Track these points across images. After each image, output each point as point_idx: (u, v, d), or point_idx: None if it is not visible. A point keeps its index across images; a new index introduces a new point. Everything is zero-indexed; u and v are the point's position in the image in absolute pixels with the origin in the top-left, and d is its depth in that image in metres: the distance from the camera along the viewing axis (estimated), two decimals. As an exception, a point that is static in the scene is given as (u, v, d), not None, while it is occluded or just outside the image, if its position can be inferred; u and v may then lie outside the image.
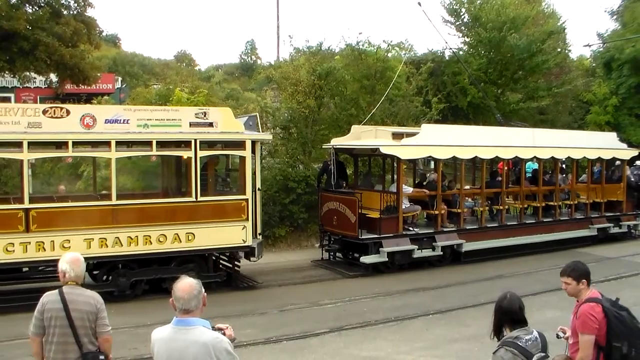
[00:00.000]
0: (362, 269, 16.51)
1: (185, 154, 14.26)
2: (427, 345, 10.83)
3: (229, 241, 14.43)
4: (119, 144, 13.41)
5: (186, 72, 39.07)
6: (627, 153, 22.55)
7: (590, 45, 38.94)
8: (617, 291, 12.76)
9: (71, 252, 5.87)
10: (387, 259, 16.41)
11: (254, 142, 14.80)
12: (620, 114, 34.33)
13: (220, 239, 14.30)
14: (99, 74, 24.11)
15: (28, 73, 23.08)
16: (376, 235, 16.40)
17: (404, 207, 16.90)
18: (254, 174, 14.91)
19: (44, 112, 12.63)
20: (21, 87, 29.29)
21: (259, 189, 15.22)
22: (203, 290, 4.60)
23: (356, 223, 16.18)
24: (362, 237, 16.26)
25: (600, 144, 21.53)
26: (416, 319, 12.43)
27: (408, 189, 17.52)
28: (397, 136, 17.18)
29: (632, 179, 23.47)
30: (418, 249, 16.89)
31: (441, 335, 11.32)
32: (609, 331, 5.33)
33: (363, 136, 18.17)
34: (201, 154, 14.10)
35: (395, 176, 17.88)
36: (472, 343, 10.45)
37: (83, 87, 24.37)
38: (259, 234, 15.33)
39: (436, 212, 17.60)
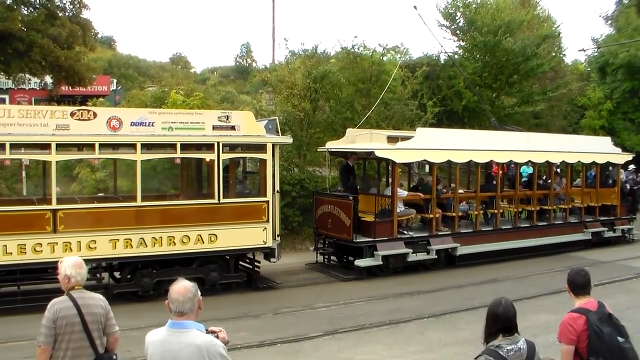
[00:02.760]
0: (356, 273, 16.49)
1: (208, 156, 14.49)
2: (422, 348, 10.82)
3: (250, 242, 14.63)
4: (144, 146, 13.58)
5: (181, 74, 39.00)
6: (621, 157, 22.62)
7: (584, 50, 39.04)
8: (611, 295, 12.85)
9: (72, 257, 5.84)
10: (381, 263, 16.40)
11: (274, 145, 15.00)
12: (614, 119, 34.50)
13: (242, 240, 14.51)
14: (94, 76, 24.11)
15: (23, 74, 23.06)
16: (371, 239, 16.41)
17: (398, 210, 16.91)
18: (272, 176, 15.02)
19: (72, 114, 12.82)
20: (16, 88, 29.27)
21: (277, 191, 15.34)
22: (199, 293, 4.58)
23: (351, 226, 16.17)
24: (357, 240, 16.27)
25: (594, 149, 21.57)
26: (410, 322, 12.42)
27: (403, 193, 17.54)
28: (392, 140, 17.18)
29: (626, 184, 23.54)
30: (412, 253, 16.89)
31: (435, 339, 11.31)
32: (588, 345, 5.31)
33: (358, 139, 18.17)
34: (224, 156, 14.31)
35: (390, 179, 17.89)
36: (467, 347, 10.45)
37: (78, 88, 24.35)
38: (278, 236, 15.46)
39: (431, 215, 17.61)
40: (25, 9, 21.96)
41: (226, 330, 4.81)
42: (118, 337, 5.85)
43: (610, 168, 23.06)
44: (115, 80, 37.86)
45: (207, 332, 4.57)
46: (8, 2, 20.91)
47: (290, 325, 12.19)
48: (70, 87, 24.68)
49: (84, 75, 22.38)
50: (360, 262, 16.26)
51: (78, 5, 22.53)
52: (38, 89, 29.06)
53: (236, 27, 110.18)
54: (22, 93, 30.90)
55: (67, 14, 22.45)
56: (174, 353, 4.38)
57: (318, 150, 20.08)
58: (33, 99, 30.82)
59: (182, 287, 4.51)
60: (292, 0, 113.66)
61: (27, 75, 23.84)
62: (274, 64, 34.93)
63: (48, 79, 24.48)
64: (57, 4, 22.40)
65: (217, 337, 4.60)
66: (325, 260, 18.07)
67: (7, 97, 31.23)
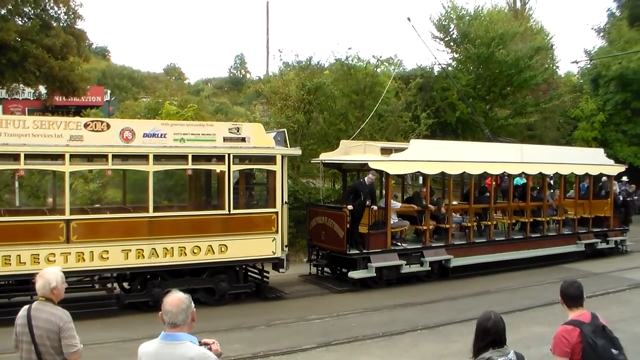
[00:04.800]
0: (350, 284, 16.46)
1: (219, 167, 14.61)
2: (415, 360, 10.81)
3: (259, 253, 14.79)
4: (157, 157, 13.75)
5: (175, 85, 39.05)
6: (614, 169, 22.71)
7: (577, 62, 39.32)
8: (604, 307, 12.86)
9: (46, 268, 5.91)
10: (375, 274, 16.38)
11: (283, 157, 15.16)
12: (607, 130, 34.68)
13: (252, 251, 14.68)
14: (88, 87, 24.10)
15: (17, 85, 23.05)
16: (364, 251, 16.38)
17: (392, 222, 16.91)
18: (281, 187, 15.12)
19: (86, 125, 13.00)
20: (9, 98, 29.22)
21: (285, 203, 15.39)
22: (192, 305, 4.57)
23: (344, 238, 16.14)
24: (350, 252, 16.24)
25: (587, 160, 21.66)
26: (404, 334, 12.38)
27: (396, 204, 17.53)
28: (385, 151, 17.20)
29: (619, 195, 23.60)
30: (406, 264, 16.86)
31: (429, 351, 11.29)
32: (582, 357, 5.31)
33: (352, 151, 18.19)
34: (234, 168, 14.51)
35: (384, 191, 17.88)
36: (460, 358, 10.42)
37: (72, 99, 24.35)
38: (286, 246, 15.54)
39: (424, 227, 17.61)
40: (20, 19, 21.99)
41: (219, 342, 4.81)
42: (76, 358, 5.73)
43: (604, 179, 23.10)
44: (109, 91, 37.83)
45: (200, 344, 4.56)
46: (2, 13, 20.95)
47: (283, 337, 12.14)
48: (64, 98, 24.68)
49: (78, 86, 22.41)
50: (354, 274, 16.23)
51: (72, 15, 22.60)
52: (32, 99, 28.99)
53: (230, 38, 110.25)
54: (15, 103, 30.83)
55: (61, 24, 22.51)
56: (167, 365, 4.36)
57: (312, 161, 20.08)
58: (27, 109, 30.75)
59: (176, 299, 4.50)
60: (286, 12, 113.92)
61: (21, 86, 23.84)
62: (268, 76, 34.98)
63: (42, 89, 24.48)
64: (52, 14, 22.47)
65: (210, 349, 4.59)
66: (319, 272, 18.05)
67: (0, 107, 31.15)
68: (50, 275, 5.74)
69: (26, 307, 5.71)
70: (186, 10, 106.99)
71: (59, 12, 22.64)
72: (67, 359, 5.67)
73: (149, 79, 45.21)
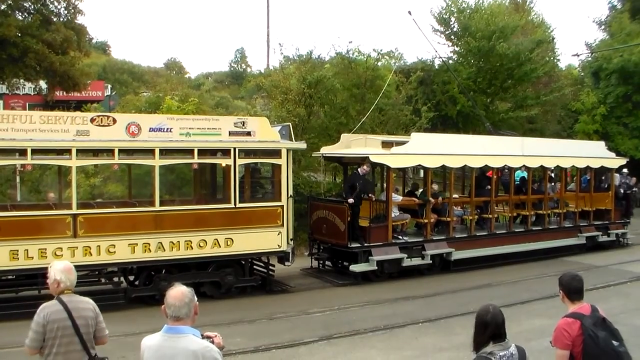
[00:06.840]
0: (351, 278, 16.49)
1: (224, 162, 14.74)
2: (417, 353, 10.82)
3: (265, 246, 14.89)
4: (163, 151, 13.76)
5: (176, 80, 39.04)
6: (615, 162, 22.70)
7: (578, 55, 39.31)
8: (605, 299, 12.88)
9: (62, 261, 5.88)
10: (376, 268, 16.40)
11: (288, 151, 15.22)
12: (608, 123, 34.63)
13: (257, 244, 14.78)
14: (88, 81, 24.06)
15: (17, 80, 23.02)
16: (365, 244, 16.39)
17: (393, 215, 16.92)
18: (287, 181, 15.19)
19: (92, 120, 13.08)
20: (10, 93, 29.17)
21: (290, 196, 15.44)
22: (195, 299, 4.59)
23: (345, 231, 16.16)
24: (352, 245, 16.26)
25: (588, 153, 21.66)
26: (405, 327, 12.42)
27: (397, 198, 17.54)
28: (386, 145, 17.21)
29: (620, 188, 23.61)
30: (407, 258, 16.89)
31: (430, 344, 11.31)
32: (583, 349, 5.32)
33: (353, 145, 18.19)
34: (240, 162, 14.60)
35: (385, 185, 17.89)
36: (461, 351, 10.44)
37: (72, 94, 24.32)
38: (291, 239, 15.60)
39: (425, 220, 17.61)
40: (20, 14, 21.95)
41: (221, 335, 4.82)
42: (106, 340, 5.90)
43: (606, 173, 23.09)
44: (109, 86, 37.73)
45: (203, 337, 4.57)
46: (3, 8, 20.89)
47: (285, 330, 12.18)
48: (64, 93, 24.64)
49: (79, 81, 22.37)
50: (355, 268, 16.25)
51: (73, 10, 22.53)
52: (32, 94, 28.91)
53: (230, 32, 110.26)
54: (16, 98, 30.72)
55: (61, 19, 22.44)
56: (170, 358, 4.38)
57: (313, 155, 20.07)
58: (27, 104, 30.66)
59: (179, 292, 4.52)
60: (286, 6, 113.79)
61: (22, 81, 23.81)
62: (269, 69, 34.94)
63: (42, 84, 24.45)
64: (52, 9, 22.39)
65: (213, 342, 4.61)
66: (320, 265, 18.07)
67: (1, 102, 31.08)
68: (73, 269, 5.77)
69: (52, 302, 5.58)
70: (186, 4, 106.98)
71: (59, 7, 22.57)
72: (99, 342, 5.79)
73: (149, 74, 45.21)
